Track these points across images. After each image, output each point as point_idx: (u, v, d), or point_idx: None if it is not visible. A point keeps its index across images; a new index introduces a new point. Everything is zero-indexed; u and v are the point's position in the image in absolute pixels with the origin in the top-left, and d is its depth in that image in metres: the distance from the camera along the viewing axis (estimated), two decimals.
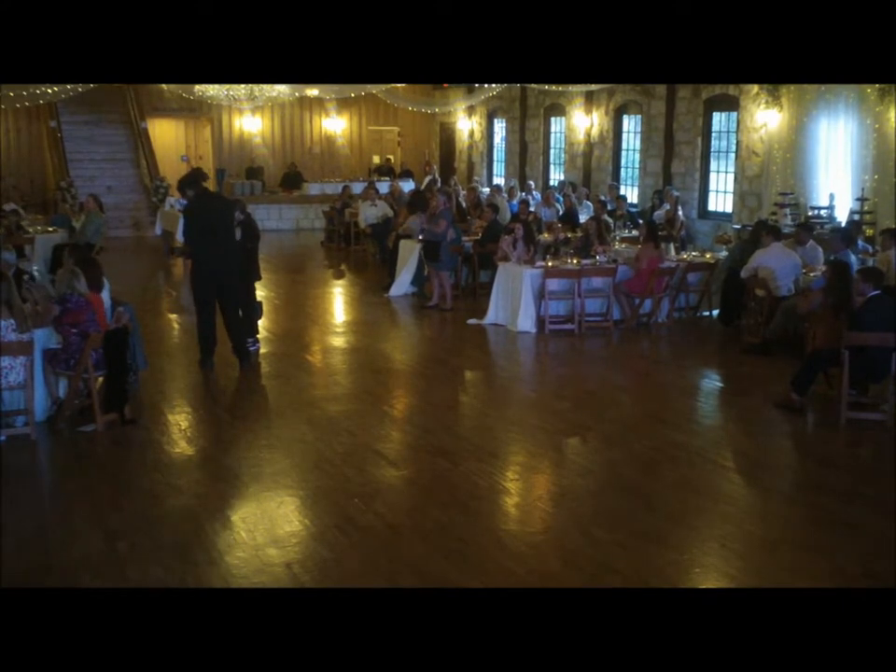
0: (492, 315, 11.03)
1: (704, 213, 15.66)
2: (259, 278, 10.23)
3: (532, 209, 15.09)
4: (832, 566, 4.96)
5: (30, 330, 6.94)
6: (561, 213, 15.51)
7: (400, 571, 4.86)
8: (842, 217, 12.44)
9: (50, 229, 14.59)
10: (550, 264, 10.78)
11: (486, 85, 20.14)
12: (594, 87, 17.76)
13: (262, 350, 9.72)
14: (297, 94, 21.69)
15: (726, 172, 15.28)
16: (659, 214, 14.80)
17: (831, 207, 12.68)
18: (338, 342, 10.38)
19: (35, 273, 9.63)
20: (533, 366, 9.89)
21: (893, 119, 11.79)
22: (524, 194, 17.55)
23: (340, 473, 6.29)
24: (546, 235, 13.20)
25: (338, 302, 13.30)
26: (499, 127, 22.60)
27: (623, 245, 12.26)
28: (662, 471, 6.39)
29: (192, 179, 8.97)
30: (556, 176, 20.02)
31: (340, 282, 14.97)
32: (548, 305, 10.60)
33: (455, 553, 5.07)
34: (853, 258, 9.50)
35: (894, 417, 7.22)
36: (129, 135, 21.74)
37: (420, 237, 12.55)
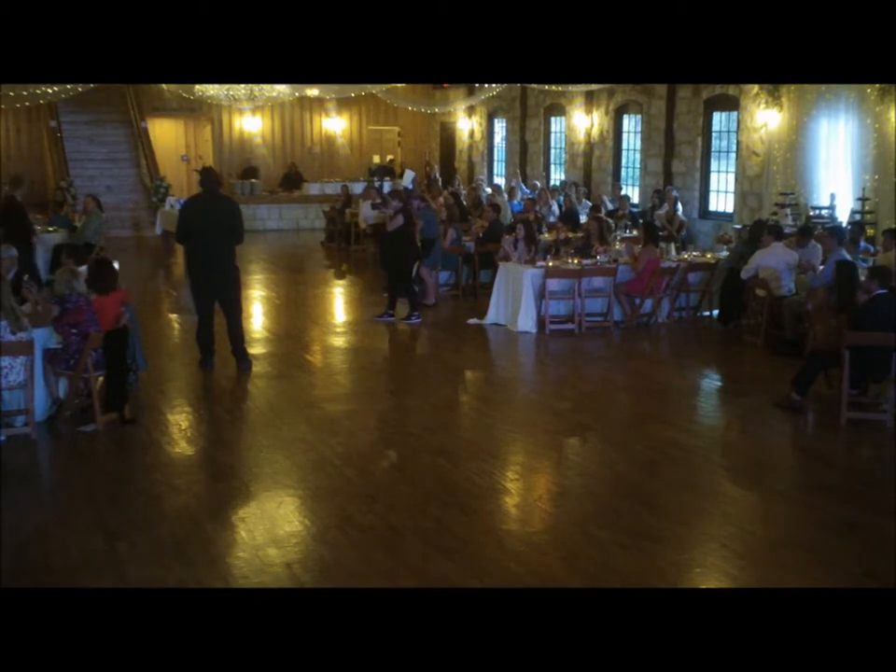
0: (492, 315, 11.03)
1: (705, 213, 15.65)
2: (419, 259, 11.66)
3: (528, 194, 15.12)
4: (832, 565, 4.96)
5: (24, 330, 6.92)
6: (558, 214, 15.51)
7: (400, 571, 4.86)
8: (843, 216, 12.44)
9: (51, 229, 14.57)
10: (550, 264, 10.77)
11: (486, 85, 20.12)
12: (594, 87, 17.75)
13: (262, 350, 9.73)
14: (297, 94, 21.68)
15: (727, 172, 15.28)
16: (658, 214, 14.80)
17: (831, 207, 12.68)
18: (338, 342, 10.38)
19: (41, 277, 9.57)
20: (533, 366, 9.89)
21: (893, 119, 11.79)
22: (527, 192, 17.56)
23: (340, 473, 6.29)
24: (547, 235, 13.20)
25: (338, 302, 13.31)
26: (499, 127, 22.59)
27: (624, 246, 12.25)
28: (662, 471, 6.39)
29: (201, 178, 9.03)
30: (557, 176, 20.02)
31: (340, 282, 14.98)
32: (548, 305, 10.60)
33: (454, 552, 5.07)
34: (847, 255, 9.50)
35: (894, 417, 7.22)
36: (129, 135, 21.74)
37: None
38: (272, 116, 24.20)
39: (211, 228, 8.60)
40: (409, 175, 20.58)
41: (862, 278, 8.04)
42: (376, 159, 25.17)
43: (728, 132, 15.19)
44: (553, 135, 20.37)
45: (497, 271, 11.26)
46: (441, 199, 15.91)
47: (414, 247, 11.52)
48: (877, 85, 11.68)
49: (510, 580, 4.77)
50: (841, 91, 12.50)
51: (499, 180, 21.44)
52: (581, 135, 18.69)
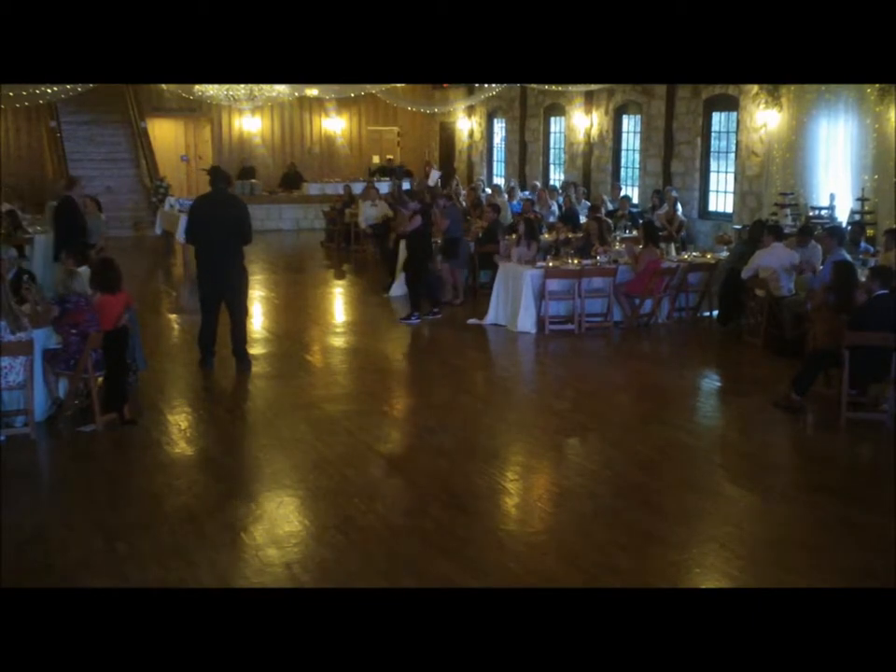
0: (492, 315, 11.02)
1: (704, 213, 15.64)
2: (431, 258, 11.77)
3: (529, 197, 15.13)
4: (832, 565, 4.96)
5: (24, 330, 6.91)
6: (558, 214, 15.51)
7: (400, 571, 4.86)
8: (842, 217, 12.43)
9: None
10: (550, 264, 10.77)
11: (486, 85, 20.12)
12: (594, 87, 17.74)
13: (262, 350, 9.72)
14: (297, 94, 21.67)
15: (726, 172, 15.27)
16: (658, 214, 14.79)
17: (831, 207, 12.67)
18: (338, 342, 10.38)
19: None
20: (533, 366, 9.89)
21: (893, 119, 11.79)
22: (526, 193, 17.55)
23: (339, 473, 6.29)
24: (547, 236, 13.20)
25: (338, 302, 13.31)
26: (499, 127, 22.58)
27: (624, 246, 12.25)
28: (662, 471, 6.39)
29: (211, 178, 9.01)
30: (556, 177, 20.01)
31: (340, 282, 14.98)
32: (548, 305, 10.60)
33: (454, 552, 5.07)
34: (846, 256, 9.49)
35: (894, 417, 7.22)
36: (129, 135, 21.72)
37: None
38: (271, 116, 24.19)
39: (218, 228, 8.56)
40: (434, 175, 20.57)
41: (862, 279, 8.04)
42: (376, 159, 25.15)
43: (728, 132, 15.18)
44: (552, 135, 20.36)
45: (496, 271, 11.27)
46: None
47: (430, 248, 11.65)
48: (877, 85, 11.68)
49: (509, 580, 4.77)
50: (841, 91, 12.50)
51: (499, 180, 21.43)
52: (580, 135, 18.69)
